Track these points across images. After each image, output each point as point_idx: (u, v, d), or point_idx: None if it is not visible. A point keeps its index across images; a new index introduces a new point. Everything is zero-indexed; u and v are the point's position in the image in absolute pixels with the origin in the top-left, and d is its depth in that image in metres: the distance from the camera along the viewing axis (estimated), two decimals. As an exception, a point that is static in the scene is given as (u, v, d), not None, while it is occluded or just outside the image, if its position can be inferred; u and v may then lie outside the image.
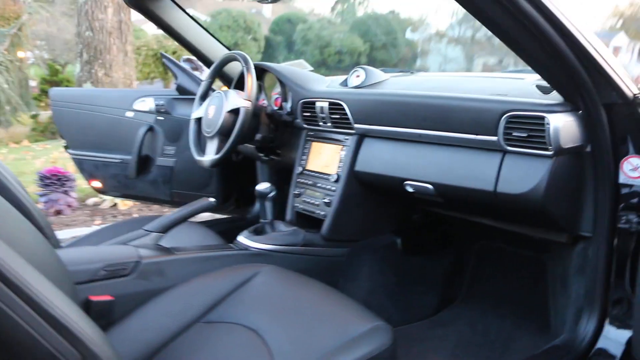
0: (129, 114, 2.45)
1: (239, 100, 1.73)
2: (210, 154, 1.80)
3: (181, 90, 2.42)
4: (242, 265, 1.35)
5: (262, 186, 1.72)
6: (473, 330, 1.87)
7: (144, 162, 2.45)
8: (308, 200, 1.81)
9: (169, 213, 1.54)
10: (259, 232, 1.72)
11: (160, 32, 2.32)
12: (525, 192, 1.30)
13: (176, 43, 2.22)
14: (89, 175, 2.55)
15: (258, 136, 1.88)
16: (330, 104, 1.74)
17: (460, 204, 1.59)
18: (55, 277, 0.83)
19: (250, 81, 1.72)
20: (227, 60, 1.90)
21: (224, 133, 1.76)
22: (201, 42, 2.19)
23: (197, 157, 1.86)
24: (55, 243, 1.37)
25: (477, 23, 1.03)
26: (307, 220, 1.83)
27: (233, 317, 1.15)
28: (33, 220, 1.19)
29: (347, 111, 1.68)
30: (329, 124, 1.78)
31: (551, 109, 1.27)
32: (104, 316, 1.19)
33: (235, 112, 1.75)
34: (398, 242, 1.88)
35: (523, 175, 1.31)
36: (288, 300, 1.18)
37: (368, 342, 1.02)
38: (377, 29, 24.29)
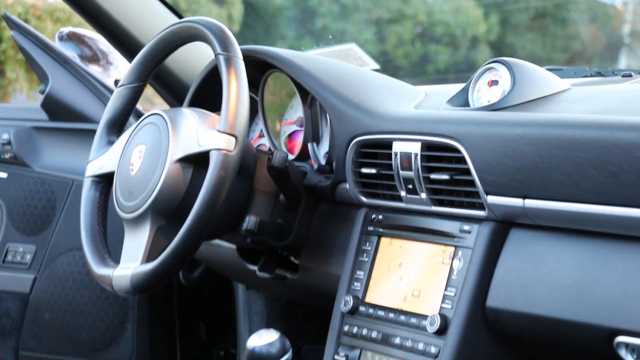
0: None
1: (206, 134, 1.24)
2: (131, 262, 1.26)
3: (54, 107, 1.71)
4: None
5: (261, 339, 1.23)
6: None
7: None
8: None
9: None
10: None
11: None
12: None
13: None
14: None
15: (249, 222, 1.32)
16: (428, 147, 1.25)
17: None
18: None
19: (236, 89, 1.21)
20: (176, 41, 1.34)
21: (166, 212, 1.27)
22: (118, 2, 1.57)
23: (98, 271, 1.32)
24: None
25: None
26: None
27: None
28: None
29: (471, 166, 1.19)
30: (423, 196, 1.27)
31: None
32: None
33: (196, 161, 1.25)
34: None
35: None
36: None
37: None
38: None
